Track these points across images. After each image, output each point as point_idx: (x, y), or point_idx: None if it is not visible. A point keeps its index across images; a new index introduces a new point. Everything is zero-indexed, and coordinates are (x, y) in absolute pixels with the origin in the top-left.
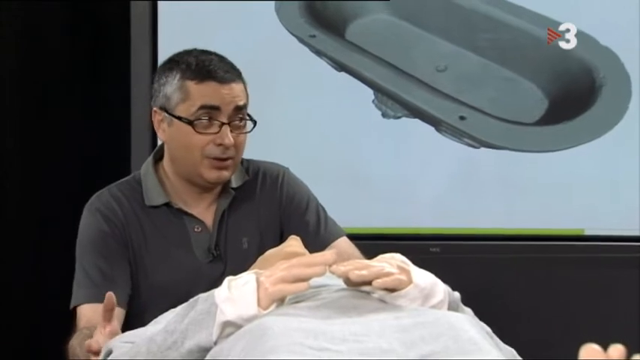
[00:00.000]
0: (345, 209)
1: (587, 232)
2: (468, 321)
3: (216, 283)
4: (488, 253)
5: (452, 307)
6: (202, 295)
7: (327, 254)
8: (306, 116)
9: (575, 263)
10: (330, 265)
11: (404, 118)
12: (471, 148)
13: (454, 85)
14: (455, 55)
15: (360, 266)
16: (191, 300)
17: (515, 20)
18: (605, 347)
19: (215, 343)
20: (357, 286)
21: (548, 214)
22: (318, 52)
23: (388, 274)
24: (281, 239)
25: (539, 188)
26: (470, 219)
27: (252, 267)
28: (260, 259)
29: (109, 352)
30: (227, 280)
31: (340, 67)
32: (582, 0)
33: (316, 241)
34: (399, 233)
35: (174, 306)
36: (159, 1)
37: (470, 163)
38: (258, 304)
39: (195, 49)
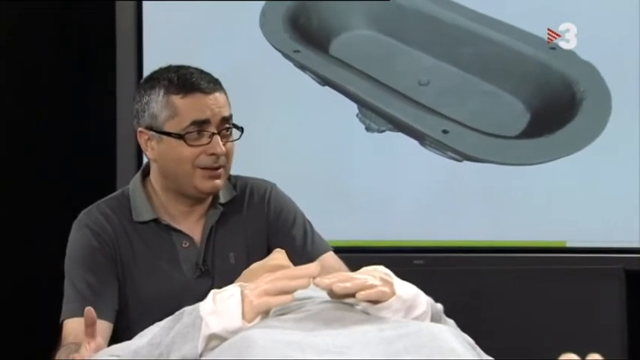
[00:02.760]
0: (330, 222)
1: (569, 245)
2: (450, 332)
3: (203, 298)
4: (471, 266)
5: (434, 319)
6: (188, 309)
7: (310, 267)
8: (290, 130)
9: (557, 275)
10: (313, 278)
11: (387, 132)
12: (454, 162)
13: (437, 98)
14: (437, 69)
15: (344, 278)
16: (177, 313)
17: (496, 35)
18: (584, 357)
19: (200, 356)
20: (340, 298)
21: (531, 227)
22: (303, 67)
23: (371, 287)
24: (268, 254)
25: (521, 201)
26: (453, 232)
27: (237, 280)
28: (245, 272)
29: None
30: (212, 293)
31: (324, 81)
32: (565, 15)
33: (303, 256)
34: (384, 246)
35: (162, 319)
36: (144, 20)
37: (453, 176)
38: (243, 317)
39: (171, 65)
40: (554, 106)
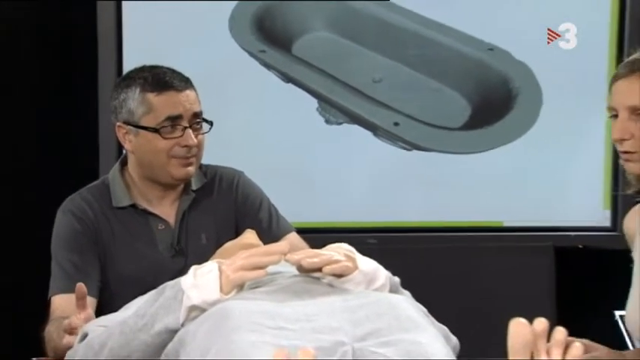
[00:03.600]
0: (293, 206)
1: (506, 224)
2: (406, 302)
3: (178, 275)
4: (419, 244)
5: (392, 290)
6: (170, 283)
7: (282, 244)
8: (256, 123)
9: (495, 251)
10: (284, 254)
11: (345, 124)
12: (403, 151)
13: (388, 94)
14: (389, 67)
15: (312, 254)
16: (159, 287)
17: (441, 37)
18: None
19: (182, 326)
20: (308, 272)
21: (472, 208)
22: (268, 66)
23: (336, 262)
24: (236, 235)
25: (463, 186)
26: (403, 213)
27: (211, 258)
28: (219, 250)
29: (85, 335)
30: (192, 268)
31: (287, 79)
32: (502, 21)
33: (269, 236)
34: (341, 227)
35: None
36: (123, 26)
37: (403, 164)
38: (221, 290)
39: (145, 65)
40: (492, 101)
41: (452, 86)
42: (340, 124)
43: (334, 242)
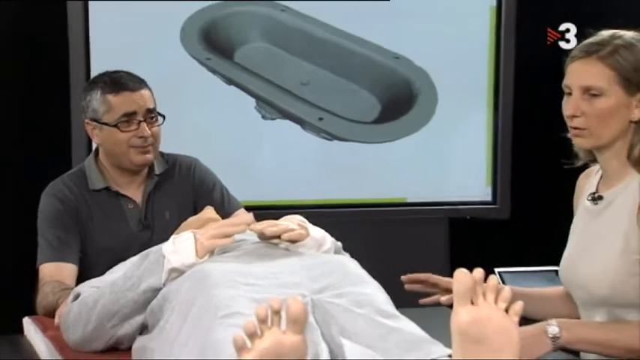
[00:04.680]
0: (237, 187)
1: (409, 200)
2: (351, 261)
3: (145, 246)
4: (339, 217)
5: (336, 252)
6: (152, 249)
7: (246, 217)
8: (205, 119)
9: (400, 222)
10: (249, 225)
11: (278, 120)
12: (326, 141)
13: (314, 95)
14: (314, 72)
15: (272, 224)
16: (143, 253)
17: (356, 47)
18: None
19: (164, 285)
20: (268, 239)
21: (382, 187)
22: (213, 71)
23: (292, 230)
24: (194, 212)
25: (375, 169)
26: (326, 192)
27: (177, 230)
28: (184, 223)
29: (77, 295)
30: (172, 237)
31: (230, 82)
32: (405, 34)
33: (222, 212)
34: (276, 204)
35: (115, 264)
36: (90, 33)
37: (326, 152)
38: (196, 255)
39: (107, 71)
40: (397, 100)
41: (365, 88)
42: (274, 119)
43: (271, 218)
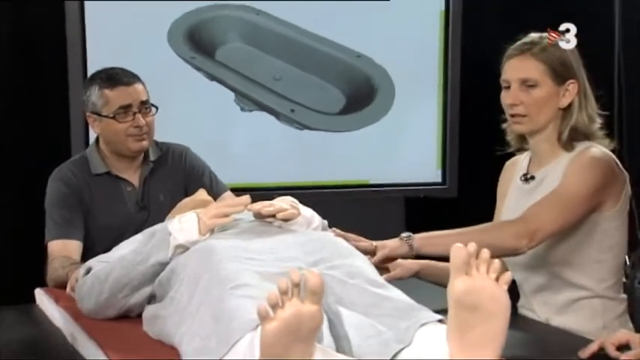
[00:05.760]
0: (219, 172)
1: (371, 182)
2: (337, 237)
3: (142, 225)
4: (309, 197)
5: (323, 229)
6: (158, 228)
7: (244, 198)
8: (190, 111)
9: (363, 202)
10: (246, 205)
11: (255, 111)
12: (298, 130)
13: (286, 89)
14: (286, 69)
15: (267, 205)
16: (150, 231)
17: (323, 47)
18: None
19: (170, 260)
20: (263, 218)
21: (347, 171)
22: (197, 68)
23: (285, 209)
24: (186, 195)
25: (341, 155)
26: (298, 175)
27: (173, 210)
28: (179, 204)
29: (89, 269)
30: (177, 217)
31: (212, 78)
32: (366, 35)
33: (211, 195)
34: (256, 187)
35: (116, 241)
36: (86, 33)
37: (298, 139)
38: (199, 232)
39: (104, 68)
40: (360, 94)
41: (331, 83)
42: (251, 111)
43: (254, 200)
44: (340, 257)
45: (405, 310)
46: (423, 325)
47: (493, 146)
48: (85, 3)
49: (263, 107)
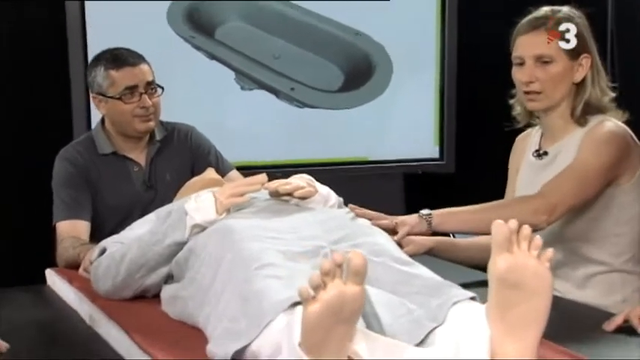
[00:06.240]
0: (221, 151)
1: (370, 159)
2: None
3: (149, 204)
4: (312, 175)
5: (339, 207)
6: (174, 208)
7: (260, 177)
8: (191, 91)
9: (364, 178)
10: (263, 184)
11: (255, 90)
12: (298, 108)
13: (286, 67)
14: (285, 47)
15: (284, 183)
16: (166, 211)
17: (322, 25)
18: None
19: (187, 240)
20: (280, 196)
21: (348, 148)
22: (197, 48)
23: (303, 187)
24: (192, 174)
25: (340, 132)
26: (298, 153)
27: (180, 191)
28: (188, 183)
29: (103, 249)
30: (193, 196)
31: (212, 57)
32: (364, 10)
33: (217, 173)
34: (256, 165)
35: (123, 220)
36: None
37: (298, 117)
38: (216, 212)
39: (108, 49)
40: (358, 71)
41: (330, 61)
42: (251, 89)
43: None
44: (363, 235)
45: (435, 287)
46: (455, 303)
47: (489, 122)
48: None
49: (263, 86)
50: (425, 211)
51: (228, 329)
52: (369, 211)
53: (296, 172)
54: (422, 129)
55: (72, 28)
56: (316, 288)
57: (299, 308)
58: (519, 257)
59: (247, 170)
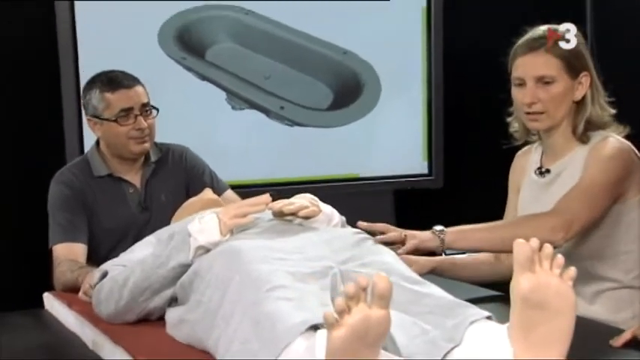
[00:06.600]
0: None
1: (361, 175)
2: (361, 233)
3: (145, 226)
4: (303, 192)
5: (342, 226)
6: (176, 230)
7: (264, 197)
8: (182, 111)
9: (355, 193)
10: (267, 204)
11: (246, 109)
12: (288, 127)
13: (276, 87)
14: (275, 67)
15: (288, 203)
16: (168, 232)
17: (311, 45)
18: None
19: (192, 262)
20: (284, 216)
21: (338, 165)
22: (188, 69)
23: (307, 207)
24: (187, 195)
25: (331, 150)
26: (290, 171)
27: (177, 212)
28: (184, 205)
29: (105, 273)
30: (197, 217)
31: (203, 78)
32: (352, 32)
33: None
34: (247, 183)
35: (119, 242)
36: (77, 35)
37: (288, 136)
38: (220, 233)
39: (103, 71)
40: (347, 90)
41: (319, 80)
42: (242, 109)
43: (247, 194)
44: (370, 254)
45: (449, 307)
46: (471, 322)
47: (478, 137)
48: (76, 3)
49: (254, 105)
50: (438, 228)
51: (240, 351)
52: (378, 224)
53: (287, 191)
54: (410, 145)
55: (63, 49)
56: (341, 312)
57: (320, 332)
58: (542, 277)
59: (238, 189)
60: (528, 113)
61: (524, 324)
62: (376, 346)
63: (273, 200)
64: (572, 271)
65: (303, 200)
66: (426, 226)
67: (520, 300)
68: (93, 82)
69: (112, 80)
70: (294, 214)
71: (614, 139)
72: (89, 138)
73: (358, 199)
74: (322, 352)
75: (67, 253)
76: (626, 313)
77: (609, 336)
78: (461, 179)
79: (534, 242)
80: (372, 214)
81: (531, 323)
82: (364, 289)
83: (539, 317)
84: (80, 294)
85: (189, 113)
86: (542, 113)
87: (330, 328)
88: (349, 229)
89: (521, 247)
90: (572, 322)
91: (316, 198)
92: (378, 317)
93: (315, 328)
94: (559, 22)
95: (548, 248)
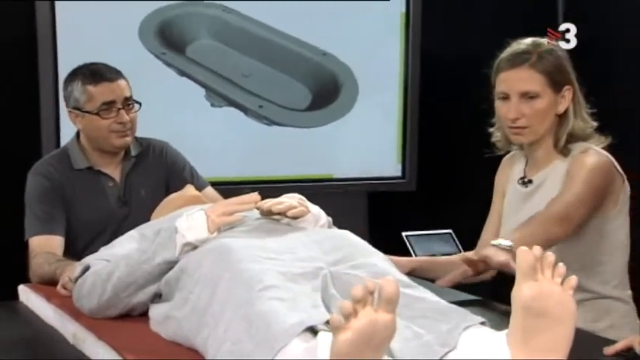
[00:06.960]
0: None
1: (335, 176)
2: (350, 234)
3: (124, 220)
4: (276, 192)
5: (329, 226)
6: (163, 226)
7: (253, 195)
8: (161, 107)
9: (328, 195)
10: (256, 203)
11: (224, 107)
12: (266, 126)
13: (254, 85)
14: (254, 66)
15: (277, 202)
16: (155, 230)
17: (290, 45)
18: None
19: (178, 258)
20: (271, 215)
21: (312, 166)
22: (168, 64)
23: (295, 207)
24: (166, 190)
25: (307, 150)
26: (266, 170)
27: (158, 207)
28: (165, 200)
29: (87, 267)
30: (185, 214)
31: (182, 74)
32: (332, 34)
33: None
34: (223, 180)
35: (97, 236)
36: (57, 31)
37: (266, 135)
38: (208, 230)
39: (85, 64)
40: (325, 91)
41: (298, 80)
42: (221, 106)
43: (220, 192)
44: (361, 256)
45: (442, 311)
46: (465, 328)
47: (452, 141)
48: (56, 3)
49: (232, 103)
50: (505, 242)
51: (232, 351)
52: (456, 276)
53: (263, 189)
54: (385, 148)
55: (43, 42)
56: (348, 316)
57: (322, 334)
58: (544, 285)
59: (214, 186)
60: (512, 127)
61: (524, 331)
62: (380, 350)
63: (263, 199)
64: (574, 280)
65: (292, 200)
66: (397, 228)
67: (522, 307)
68: (75, 74)
69: (95, 73)
70: (282, 213)
71: (593, 153)
72: (67, 131)
73: (332, 200)
74: (325, 353)
75: (44, 245)
76: (604, 323)
77: (595, 345)
78: (434, 182)
79: (537, 250)
80: (345, 216)
81: (532, 331)
82: (371, 293)
83: (540, 325)
84: (58, 287)
85: (167, 109)
86: (525, 128)
87: (336, 331)
88: (338, 231)
89: (524, 255)
90: (572, 331)
91: (304, 198)
92: (385, 321)
93: (309, 329)
94: (538, 32)
95: (550, 256)
